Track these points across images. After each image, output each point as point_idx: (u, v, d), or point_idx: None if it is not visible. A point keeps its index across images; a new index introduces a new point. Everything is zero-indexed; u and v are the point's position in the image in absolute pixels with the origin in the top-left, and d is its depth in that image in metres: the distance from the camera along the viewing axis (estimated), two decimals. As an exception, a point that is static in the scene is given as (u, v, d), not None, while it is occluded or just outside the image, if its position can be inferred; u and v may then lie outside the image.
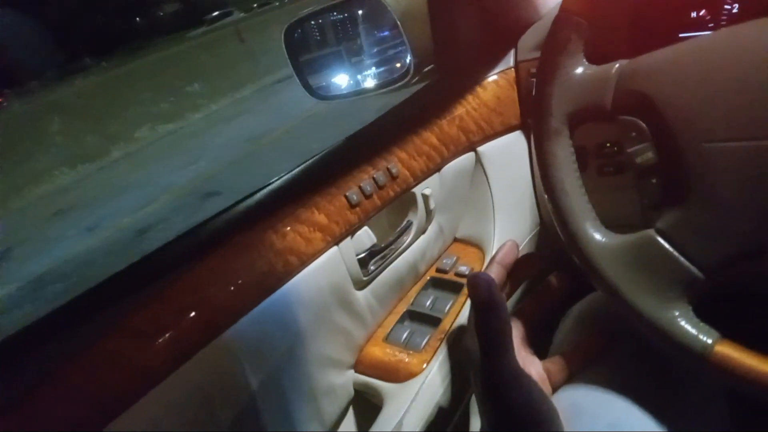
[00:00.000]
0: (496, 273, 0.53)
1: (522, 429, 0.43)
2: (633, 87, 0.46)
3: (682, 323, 0.44)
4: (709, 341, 0.43)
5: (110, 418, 0.46)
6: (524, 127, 0.83)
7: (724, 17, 0.66)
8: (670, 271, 0.45)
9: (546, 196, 0.53)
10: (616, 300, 0.47)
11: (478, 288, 0.44)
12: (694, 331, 0.44)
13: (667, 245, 0.45)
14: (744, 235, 0.42)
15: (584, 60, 0.50)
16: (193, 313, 0.52)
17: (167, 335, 0.50)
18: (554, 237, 0.57)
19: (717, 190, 0.42)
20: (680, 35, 0.67)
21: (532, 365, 0.54)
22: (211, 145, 7.35)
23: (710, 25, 0.67)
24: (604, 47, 0.51)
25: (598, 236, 0.49)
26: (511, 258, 0.55)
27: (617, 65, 0.48)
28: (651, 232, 0.46)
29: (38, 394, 0.44)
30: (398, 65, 0.94)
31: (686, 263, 0.44)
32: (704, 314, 0.45)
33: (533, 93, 0.54)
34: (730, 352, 0.43)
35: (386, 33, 0.96)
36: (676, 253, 0.44)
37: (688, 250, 0.44)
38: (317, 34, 0.99)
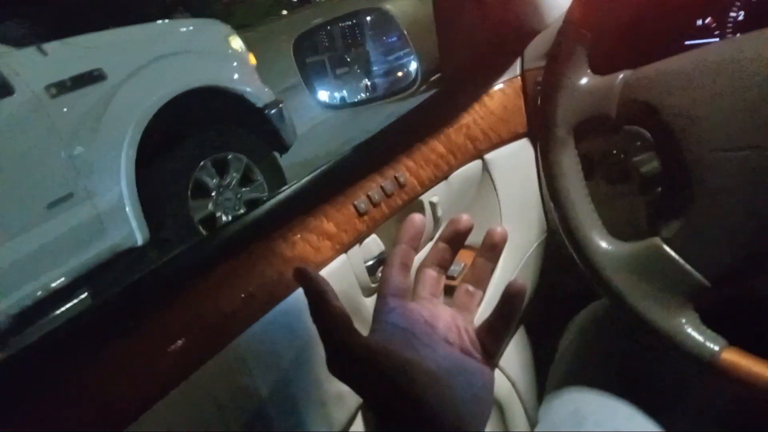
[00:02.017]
0: (402, 252, 0.49)
1: (396, 400, 0.38)
2: (637, 97, 0.47)
3: (689, 330, 0.45)
4: (716, 348, 0.44)
5: (123, 426, 0.46)
6: (531, 135, 0.84)
7: (730, 25, 0.66)
8: (676, 279, 0.45)
9: (552, 205, 0.54)
10: (622, 308, 0.48)
11: (306, 275, 0.43)
12: (701, 339, 0.44)
13: (672, 253, 0.45)
14: (748, 243, 0.42)
15: (589, 71, 0.51)
16: (204, 321, 0.53)
17: (179, 343, 0.51)
18: (561, 244, 0.58)
19: (721, 198, 0.43)
20: (685, 43, 0.67)
21: (444, 311, 0.49)
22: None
23: (716, 32, 0.67)
24: (609, 58, 0.52)
25: (604, 244, 0.49)
26: (411, 232, 0.50)
27: (621, 75, 0.49)
28: (657, 240, 0.46)
29: (51, 401, 0.45)
30: (405, 74, 0.96)
31: (692, 271, 0.44)
32: (711, 321, 0.46)
33: (539, 103, 0.55)
34: (737, 359, 0.43)
35: (393, 43, 0.97)
36: (681, 261, 0.45)
37: (693, 258, 0.45)
38: (325, 44, 1.00)
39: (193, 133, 2.96)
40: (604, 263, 0.49)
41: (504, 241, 0.47)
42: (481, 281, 0.47)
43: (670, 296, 0.46)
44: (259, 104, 3.25)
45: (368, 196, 0.67)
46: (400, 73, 0.97)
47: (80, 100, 2.53)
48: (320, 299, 0.42)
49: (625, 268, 0.48)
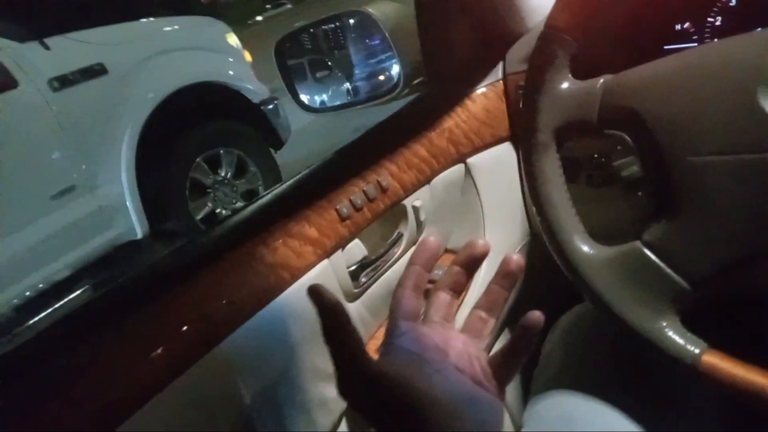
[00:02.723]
0: (415, 274, 0.48)
1: (404, 428, 0.38)
2: (618, 102, 0.47)
3: (670, 334, 0.45)
4: (697, 351, 0.44)
5: (108, 430, 0.46)
6: (513, 138, 0.84)
7: (708, 30, 0.67)
8: (657, 283, 0.46)
9: (534, 209, 0.54)
10: (604, 311, 0.48)
11: (321, 296, 0.40)
12: (682, 342, 0.45)
13: (653, 257, 0.46)
14: (729, 246, 0.42)
15: (570, 75, 0.51)
16: (187, 327, 0.52)
17: (163, 348, 0.50)
18: (544, 247, 0.58)
19: (702, 202, 0.43)
20: (665, 48, 0.68)
21: (457, 338, 0.47)
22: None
23: (694, 37, 0.68)
24: (590, 62, 0.52)
25: (585, 248, 0.50)
26: (426, 254, 0.48)
27: (602, 80, 0.49)
28: (638, 244, 0.46)
29: (36, 406, 0.44)
30: (388, 78, 0.96)
31: (673, 275, 0.45)
32: (693, 324, 0.46)
33: (521, 107, 0.55)
34: (717, 362, 0.43)
35: (376, 46, 0.97)
36: (663, 265, 0.45)
37: (674, 262, 0.45)
38: (308, 47, 1.00)
39: (192, 128, 2.99)
40: (586, 267, 0.49)
41: (485, 254, 0.47)
42: (494, 308, 0.46)
43: (651, 300, 0.46)
44: (256, 100, 3.28)
45: (351, 201, 0.67)
46: (382, 77, 0.97)
47: (82, 94, 2.56)
48: (334, 320, 0.40)
49: (607, 272, 0.49)
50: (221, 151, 3.12)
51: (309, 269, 0.63)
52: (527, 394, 0.67)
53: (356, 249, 0.71)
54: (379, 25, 0.89)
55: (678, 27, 0.68)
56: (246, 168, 3.26)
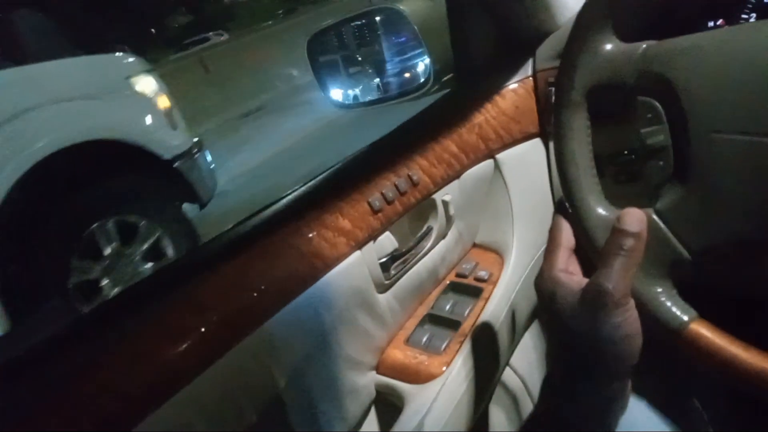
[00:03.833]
0: (562, 256, 0.50)
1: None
2: (655, 69, 0.47)
3: (663, 299, 0.46)
4: (685, 318, 0.45)
5: (141, 417, 0.48)
6: (542, 135, 0.85)
7: (751, 9, 0.66)
8: (659, 250, 0.47)
9: (556, 167, 0.54)
10: None
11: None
12: (673, 308, 0.46)
13: (661, 224, 0.47)
14: (736, 226, 0.43)
15: (614, 36, 0.51)
16: (221, 315, 0.54)
17: (196, 336, 0.52)
18: None
19: (718, 179, 0.44)
20: (709, 23, 0.68)
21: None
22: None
23: (742, 16, 0.67)
24: (634, 27, 0.52)
25: (599, 209, 0.51)
26: (571, 238, 0.52)
27: (644, 45, 0.49)
28: (648, 210, 0.47)
29: (71, 390, 0.46)
30: (418, 74, 0.97)
31: (676, 243, 0.46)
32: (689, 297, 0.47)
33: (560, 65, 0.55)
34: (703, 331, 0.44)
35: (406, 43, 0.98)
36: (669, 234, 0.46)
37: (680, 232, 0.46)
38: (339, 44, 1.01)
39: (83, 189, 2.50)
40: (595, 227, 0.50)
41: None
42: None
43: (650, 264, 0.47)
44: (167, 156, 2.72)
45: (382, 194, 0.68)
46: (412, 73, 0.98)
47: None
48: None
49: None
50: (142, 223, 2.65)
51: (342, 259, 0.64)
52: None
53: (387, 241, 0.73)
54: (410, 21, 0.91)
55: (724, 2, 0.68)
56: (163, 251, 2.74)
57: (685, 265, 0.46)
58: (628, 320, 0.43)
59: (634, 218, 0.44)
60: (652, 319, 0.46)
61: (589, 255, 0.51)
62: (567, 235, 0.50)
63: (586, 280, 0.45)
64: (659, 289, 0.47)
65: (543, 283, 0.48)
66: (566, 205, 0.54)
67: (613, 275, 0.42)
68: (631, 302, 0.43)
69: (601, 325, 0.42)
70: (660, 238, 0.47)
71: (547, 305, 0.47)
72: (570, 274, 0.48)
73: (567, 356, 0.46)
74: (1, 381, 0.48)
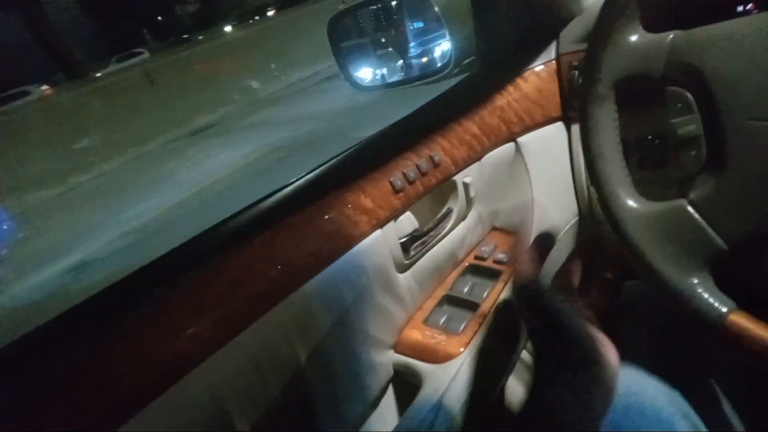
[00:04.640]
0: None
1: None
2: (684, 59, 0.47)
3: (700, 291, 0.46)
4: (724, 310, 0.45)
5: (171, 382, 0.49)
6: (565, 118, 0.84)
7: None
8: (695, 241, 0.46)
9: (584, 160, 0.54)
10: (639, 263, 0.49)
11: None
12: (711, 300, 0.46)
13: (696, 215, 0.46)
14: None
15: (640, 27, 0.51)
16: (246, 288, 0.55)
17: (222, 307, 0.53)
18: (591, 229, 0.58)
19: (754, 167, 0.43)
20: (737, 9, 0.67)
21: None
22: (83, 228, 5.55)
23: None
24: (660, 16, 0.52)
25: (630, 202, 0.51)
26: None
27: (672, 35, 0.49)
28: (683, 201, 0.47)
29: (101, 353, 0.48)
30: (439, 57, 0.96)
31: (712, 234, 0.46)
32: (727, 286, 0.47)
33: (585, 57, 0.55)
34: (743, 322, 0.44)
35: (428, 25, 0.98)
36: (704, 224, 0.46)
37: (715, 222, 0.46)
38: (360, 26, 1.01)
39: None
40: (627, 219, 0.50)
41: None
42: None
43: (686, 256, 0.47)
44: None
45: (404, 174, 0.69)
46: (434, 56, 0.97)
47: None
48: None
49: (647, 226, 0.49)
50: None
51: (363, 237, 0.65)
52: None
53: (407, 221, 0.73)
54: (432, 3, 0.90)
55: None
56: None
57: (721, 255, 0.45)
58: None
59: None
60: (689, 311, 0.46)
61: (620, 246, 0.51)
62: None
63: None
64: (696, 281, 0.46)
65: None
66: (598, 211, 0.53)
67: None
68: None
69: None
70: (695, 229, 0.46)
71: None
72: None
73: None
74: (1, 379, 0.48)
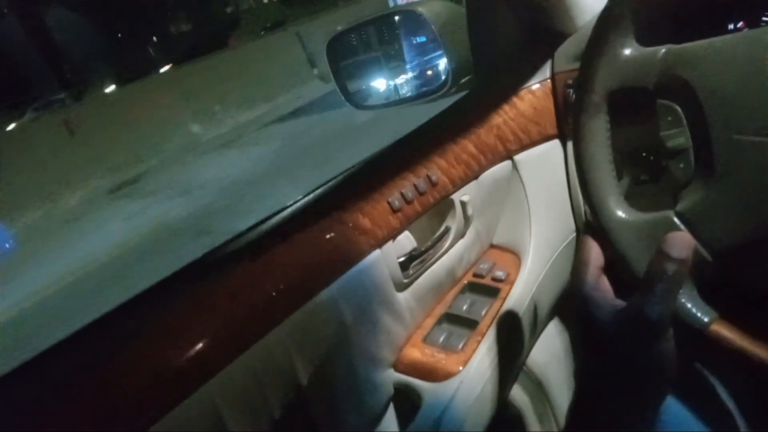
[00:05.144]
0: (592, 275, 0.49)
1: None
2: (676, 72, 0.48)
3: (683, 301, 0.47)
4: (706, 320, 0.46)
5: (175, 402, 0.49)
6: (561, 136, 0.85)
7: None
8: None
9: (576, 168, 0.55)
10: (628, 275, 0.50)
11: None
12: (693, 310, 0.47)
13: (681, 226, 0.47)
14: (757, 225, 0.44)
15: (634, 41, 0.52)
16: (248, 307, 0.56)
17: (223, 326, 0.54)
18: None
19: (740, 180, 0.44)
20: (729, 27, 0.68)
21: None
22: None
23: (764, 18, 0.67)
24: (654, 30, 0.53)
25: (619, 212, 0.51)
26: (600, 257, 0.51)
27: (664, 50, 0.49)
28: (669, 213, 0.48)
29: (112, 364, 0.49)
30: (436, 76, 0.98)
31: (697, 245, 0.46)
32: (712, 295, 0.47)
33: (580, 68, 0.56)
34: (724, 332, 0.45)
35: (425, 45, 0.99)
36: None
37: (701, 233, 0.46)
38: (358, 46, 1.03)
39: None
40: (616, 229, 0.51)
41: None
42: None
43: None
44: None
45: (402, 194, 0.69)
46: (431, 75, 0.99)
47: None
48: None
49: (634, 236, 0.51)
50: None
51: (362, 257, 0.65)
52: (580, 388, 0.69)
53: (406, 240, 0.74)
54: (429, 24, 0.91)
55: (744, 5, 0.68)
56: None
57: (706, 265, 0.46)
58: (665, 350, 0.42)
59: (680, 243, 0.42)
60: (673, 321, 0.47)
61: (611, 258, 0.52)
62: (596, 254, 0.49)
63: (618, 301, 0.45)
64: (680, 291, 0.47)
65: (575, 302, 0.48)
66: (591, 222, 0.54)
67: (656, 303, 0.41)
68: (670, 331, 0.42)
69: (637, 353, 0.42)
70: None
71: (581, 323, 0.47)
72: (601, 292, 0.47)
73: (602, 374, 0.46)
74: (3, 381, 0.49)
